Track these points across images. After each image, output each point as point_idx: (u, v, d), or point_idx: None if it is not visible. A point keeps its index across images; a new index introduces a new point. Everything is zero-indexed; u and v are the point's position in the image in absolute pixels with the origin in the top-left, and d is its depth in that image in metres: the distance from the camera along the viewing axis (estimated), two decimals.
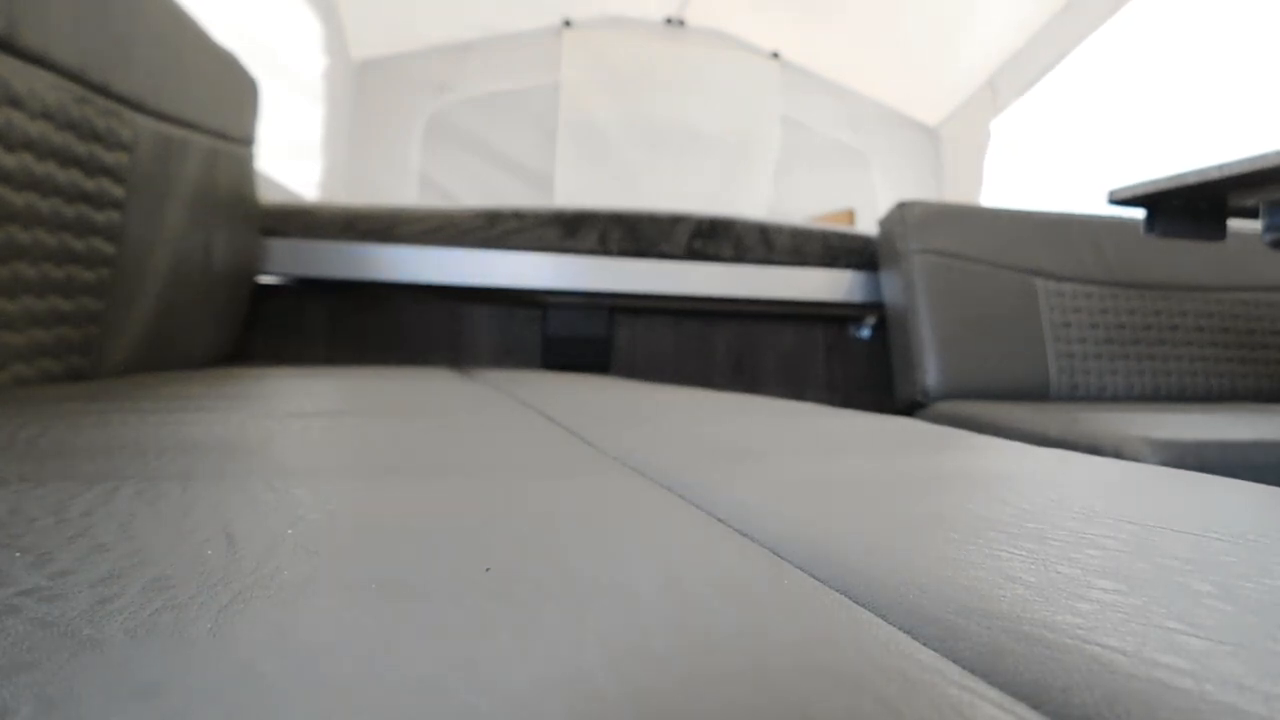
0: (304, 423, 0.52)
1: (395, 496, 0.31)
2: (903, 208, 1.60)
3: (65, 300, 0.87)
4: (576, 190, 3.41)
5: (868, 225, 3.46)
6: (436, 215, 1.53)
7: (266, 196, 1.51)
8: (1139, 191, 1.06)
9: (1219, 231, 1.14)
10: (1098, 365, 1.54)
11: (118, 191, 0.94)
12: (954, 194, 3.62)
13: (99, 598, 0.19)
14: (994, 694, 0.15)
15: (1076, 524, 0.28)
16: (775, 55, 3.66)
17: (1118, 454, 0.95)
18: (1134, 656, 0.16)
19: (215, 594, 0.19)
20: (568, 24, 3.47)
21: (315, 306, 1.55)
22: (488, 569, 0.22)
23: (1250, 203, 1.06)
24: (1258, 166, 0.90)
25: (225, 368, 1.21)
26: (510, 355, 1.62)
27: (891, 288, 1.62)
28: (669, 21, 3.58)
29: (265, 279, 1.50)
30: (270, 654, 0.16)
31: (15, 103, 0.77)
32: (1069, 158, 3.08)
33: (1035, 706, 0.16)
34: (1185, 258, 1.67)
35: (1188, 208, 1.11)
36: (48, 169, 0.82)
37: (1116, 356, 1.56)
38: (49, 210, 0.83)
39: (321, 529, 0.25)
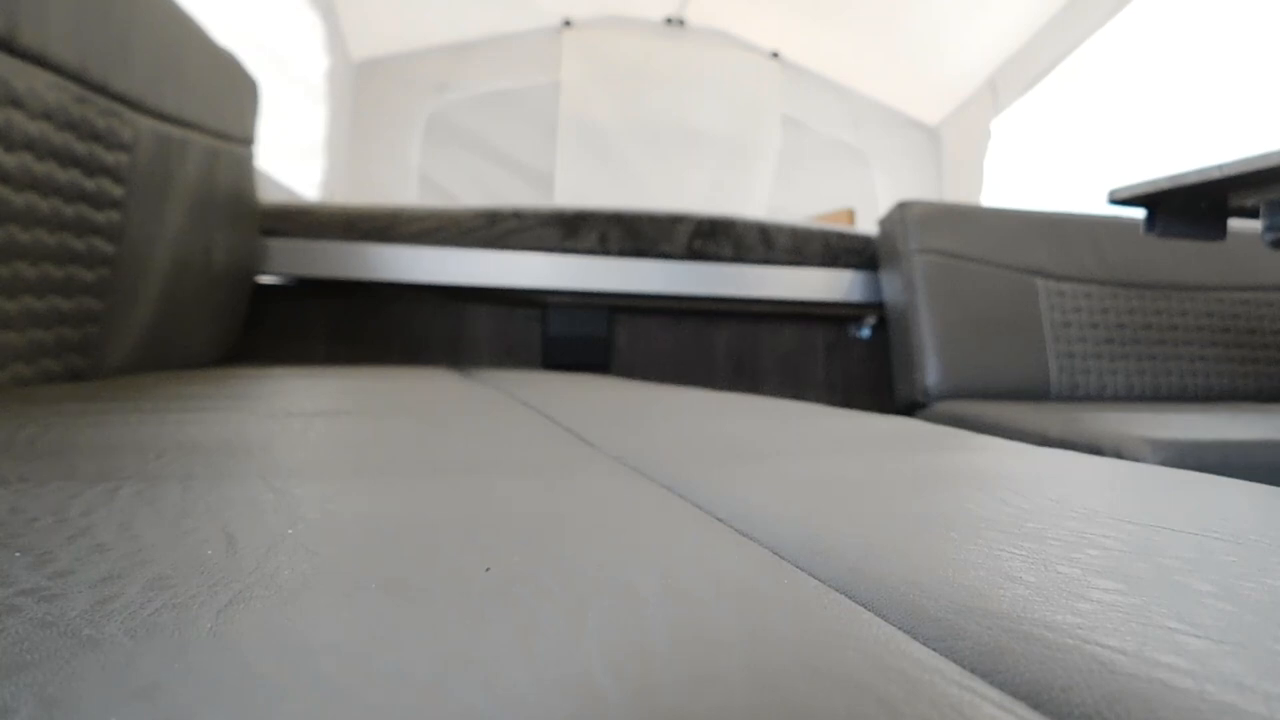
0: (304, 423, 0.52)
1: (395, 496, 0.31)
2: (903, 208, 1.60)
3: (65, 300, 0.87)
4: (576, 190, 3.41)
5: (868, 225, 3.46)
6: (436, 215, 1.53)
7: (267, 196, 1.50)
8: (1139, 191, 1.06)
9: (1219, 231, 1.14)
10: (1098, 365, 1.54)
11: (118, 191, 0.94)
12: (954, 194, 3.61)
13: (99, 598, 0.19)
14: (994, 694, 0.15)
15: (1076, 524, 0.28)
16: (775, 55, 3.66)
17: (1118, 454, 0.95)
18: (1134, 656, 0.16)
19: (215, 594, 0.19)
20: (568, 24, 3.47)
21: (315, 306, 1.55)
22: (488, 569, 0.22)
23: (1250, 203, 1.06)
24: (1258, 166, 0.90)
25: (225, 368, 1.21)
26: (510, 355, 1.62)
27: (891, 288, 1.62)
28: (669, 21, 3.58)
29: (265, 279, 1.50)
30: (270, 654, 0.16)
31: (15, 103, 0.77)
32: (1069, 158, 3.08)
33: (1035, 706, 0.16)
34: (1185, 258, 1.67)
35: (1188, 208, 1.11)
36: (48, 169, 0.82)
37: (1116, 356, 1.56)
38: (49, 210, 0.83)
39: (321, 529, 0.25)
